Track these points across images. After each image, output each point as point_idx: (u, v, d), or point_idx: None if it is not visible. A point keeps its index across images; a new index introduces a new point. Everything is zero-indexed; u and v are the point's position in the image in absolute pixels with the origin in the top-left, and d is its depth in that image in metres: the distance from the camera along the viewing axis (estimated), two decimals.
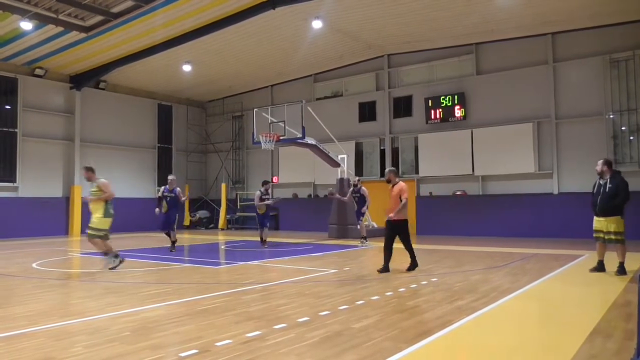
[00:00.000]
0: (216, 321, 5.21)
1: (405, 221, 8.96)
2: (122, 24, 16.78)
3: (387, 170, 9.36)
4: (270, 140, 16.34)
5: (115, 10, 16.14)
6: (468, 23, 16.94)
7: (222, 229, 24.03)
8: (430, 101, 19.58)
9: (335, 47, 19.79)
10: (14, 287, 7.89)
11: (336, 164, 18.29)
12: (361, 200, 14.95)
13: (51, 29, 16.80)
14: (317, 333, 4.71)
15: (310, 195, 22.97)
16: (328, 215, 18.26)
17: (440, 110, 19.33)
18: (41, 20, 16.06)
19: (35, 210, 19.81)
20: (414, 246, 9.18)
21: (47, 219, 20.23)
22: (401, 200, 8.77)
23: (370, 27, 17.95)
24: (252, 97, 24.74)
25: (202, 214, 25.70)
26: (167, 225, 12.83)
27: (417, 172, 20.07)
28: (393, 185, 9.05)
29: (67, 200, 21.10)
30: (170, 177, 13.14)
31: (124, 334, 4.76)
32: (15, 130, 19.69)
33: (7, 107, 19.59)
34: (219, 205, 25.00)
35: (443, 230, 18.74)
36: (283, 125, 16.56)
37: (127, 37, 17.83)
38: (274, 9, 15.54)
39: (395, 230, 8.88)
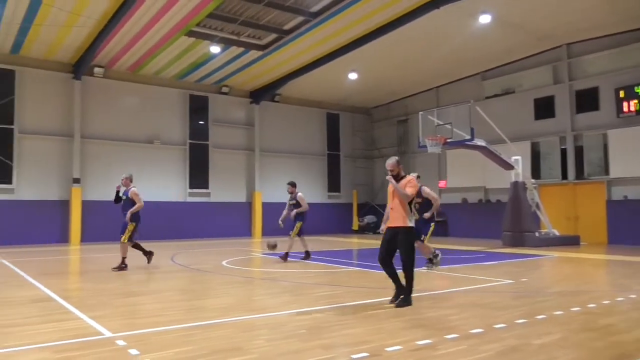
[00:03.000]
0: (385, 326, 5.20)
1: (412, 229, 6.47)
2: (292, 40, 17.99)
3: (392, 160, 6.81)
4: (436, 144, 15.94)
5: (286, 27, 17.38)
6: None
7: None
8: (621, 92, 17.21)
9: (505, 42, 18.57)
10: (208, 281, 8.91)
11: (509, 167, 17.11)
12: (425, 205, 9.86)
13: (234, 50, 18.74)
14: (491, 347, 4.41)
15: (482, 200, 21.87)
16: (501, 222, 17.16)
17: (636, 101, 16.87)
18: (226, 43, 18.01)
19: (226, 214, 22.20)
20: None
21: (235, 222, 22.52)
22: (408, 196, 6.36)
23: (542, 16, 16.48)
24: (416, 100, 24.49)
25: (369, 219, 26.16)
26: (122, 231, 10.23)
27: (606, 172, 17.79)
28: (399, 180, 6.55)
29: (249, 205, 23.21)
30: (123, 176, 10.61)
31: (300, 331, 5.02)
32: (207, 142, 22.33)
33: (201, 122, 22.32)
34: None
35: None
36: (450, 127, 16.03)
37: (297, 52, 19.05)
38: (438, 8, 15.20)
39: (395, 239, 6.40)
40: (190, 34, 17.06)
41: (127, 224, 10.14)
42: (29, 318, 5.67)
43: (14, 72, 18.13)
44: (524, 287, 7.96)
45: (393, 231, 6.39)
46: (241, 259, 12.62)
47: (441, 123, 16.46)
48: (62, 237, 18.60)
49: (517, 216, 16.33)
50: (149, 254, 10.73)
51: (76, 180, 18.74)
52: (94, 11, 14.93)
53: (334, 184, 26.27)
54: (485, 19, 16.13)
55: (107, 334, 4.90)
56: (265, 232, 22.94)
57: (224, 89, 22.54)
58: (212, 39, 17.53)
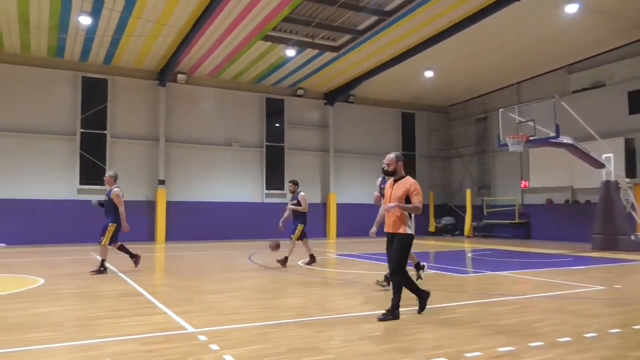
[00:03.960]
0: (463, 331, 5.02)
1: (410, 237, 5.82)
2: (367, 40, 17.92)
3: (391, 154, 5.97)
4: (518, 142, 15.22)
5: (360, 27, 17.34)
6: None
7: (468, 237, 23.38)
8: None
9: (594, 32, 17.36)
10: (284, 281, 9.07)
11: (600, 165, 15.98)
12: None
13: (309, 53, 18.98)
14: (581, 357, 4.12)
15: (568, 200, 20.61)
16: (591, 223, 16.07)
17: None
18: (301, 46, 18.28)
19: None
20: None
21: (310, 223, 22.75)
22: (411, 203, 5.73)
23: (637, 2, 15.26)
24: (496, 97, 23.53)
25: (447, 220, 25.49)
26: (102, 233, 9.60)
27: None
28: (396, 180, 5.90)
29: (323, 206, 23.39)
30: (107, 174, 9.96)
31: (376, 333, 4.96)
32: (283, 144, 22.77)
33: (277, 124, 22.80)
34: (464, 211, 24.40)
35: None
36: (532, 124, 15.25)
37: (371, 52, 18.95)
38: (519, 0, 14.52)
39: (391, 245, 5.84)
40: (266, 38, 17.48)
41: (107, 226, 9.50)
42: (118, 311, 6.04)
43: (106, 81, 19.51)
44: (617, 294, 7.39)
45: (390, 236, 5.84)
46: (318, 259, 12.71)
47: (523, 120, 15.72)
48: (150, 236, 19.72)
49: (609, 217, 15.23)
50: (135, 257, 10.03)
51: (161, 182, 19.80)
52: (177, 21, 15.72)
53: None
54: (571, 8, 15.22)
55: (190, 329, 5.10)
56: (340, 233, 23.02)
57: (299, 92, 22.89)
58: (287, 42, 17.87)
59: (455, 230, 25.24)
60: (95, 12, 14.97)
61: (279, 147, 22.74)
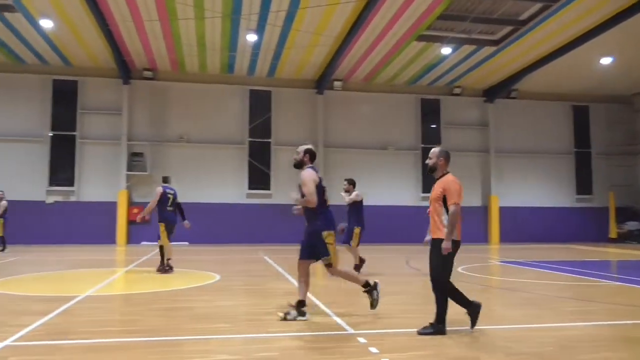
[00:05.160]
0: None
1: (455, 244, 4.97)
2: (529, 30, 16.59)
3: (435, 149, 5.35)
4: None
5: (522, 17, 16.13)
6: None
7: None
8: None
9: None
10: None
11: None
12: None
13: (466, 49, 18.22)
14: None
15: None
16: None
17: None
18: (457, 43, 17.63)
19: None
20: None
21: (470, 227, 21.80)
22: (445, 209, 5.01)
23: None
24: None
25: (632, 225, 22.39)
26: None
27: None
28: (438, 178, 5.21)
29: (484, 209, 22.22)
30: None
31: (547, 348, 4.52)
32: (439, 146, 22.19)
33: (432, 125, 22.27)
34: None
35: None
36: None
37: (535, 42, 17.49)
38: None
39: (433, 254, 5.10)
40: (421, 38, 17.21)
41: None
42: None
43: (270, 93, 21.03)
44: None
45: (432, 242, 5.14)
46: (479, 265, 12.11)
47: None
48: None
49: None
50: (167, 265, 9.94)
51: None
52: (333, 30, 16.29)
53: (583, 186, 23.33)
54: None
55: (350, 330, 5.19)
56: (503, 238, 21.66)
57: (456, 90, 22.10)
58: (442, 40, 17.37)
59: None
60: (260, 29, 16.22)
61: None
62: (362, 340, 4.76)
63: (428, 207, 5.37)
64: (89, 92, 19.85)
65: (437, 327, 5.00)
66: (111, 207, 19.27)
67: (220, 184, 20.41)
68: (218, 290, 8.00)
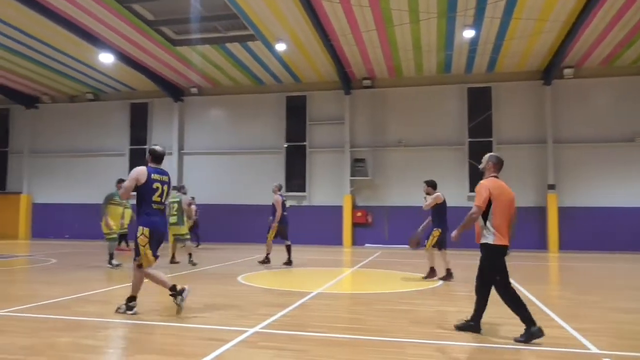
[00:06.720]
0: None
1: (497, 249, 4.90)
2: None
3: (487, 155, 5.36)
4: None
5: None
6: None
7: None
8: None
9: None
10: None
11: None
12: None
13: None
14: None
15: None
16: None
17: None
18: None
19: None
20: None
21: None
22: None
23: None
24: None
25: None
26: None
27: None
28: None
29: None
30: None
31: None
32: None
33: None
34: None
35: None
36: None
37: None
38: None
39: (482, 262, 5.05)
40: None
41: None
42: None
43: (490, 89, 19.96)
44: None
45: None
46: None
47: None
48: (541, 243, 18.94)
49: None
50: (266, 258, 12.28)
51: (551, 187, 18.77)
52: (560, 13, 14.69)
53: None
54: None
55: (593, 349, 4.55)
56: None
57: None
58: None
59: None
60: (477, 24, 15.53)
61: None
62: None
63: None
64: (316, 104, 21.69)
65: (473, 325, 5.13)
66: (337, 210, 20.68)
67: (439, 187, 20.02)
68: (440, 295, 7.87)
